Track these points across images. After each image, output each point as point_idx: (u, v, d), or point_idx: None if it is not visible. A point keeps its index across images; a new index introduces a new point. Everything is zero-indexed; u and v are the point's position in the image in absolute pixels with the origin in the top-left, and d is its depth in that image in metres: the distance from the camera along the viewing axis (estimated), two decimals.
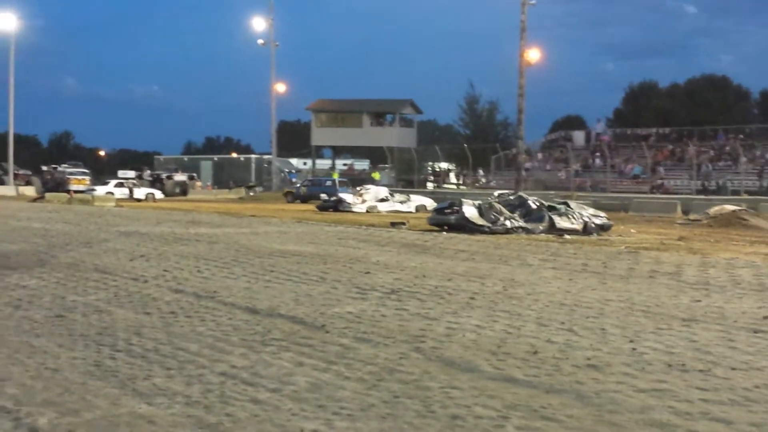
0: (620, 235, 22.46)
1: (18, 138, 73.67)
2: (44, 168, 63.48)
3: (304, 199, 47.85)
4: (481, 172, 64.58)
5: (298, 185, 55.80)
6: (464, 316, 8.73)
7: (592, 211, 24.75)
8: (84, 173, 60.36)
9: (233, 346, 7.26)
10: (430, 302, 9.64)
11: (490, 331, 7.96)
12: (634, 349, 7.27)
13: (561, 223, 22.61)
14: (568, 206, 24.04)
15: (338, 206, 36.71)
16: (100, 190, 49.45)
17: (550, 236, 20.97)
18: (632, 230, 24.79)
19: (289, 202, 48.35)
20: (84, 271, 12.24)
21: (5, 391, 5.84)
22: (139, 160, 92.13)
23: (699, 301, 10.14)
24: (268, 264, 13.15)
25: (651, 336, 7.86)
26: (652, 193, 46.71)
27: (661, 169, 51.45)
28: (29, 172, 67.76)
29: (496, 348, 7.22)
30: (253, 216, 27.93)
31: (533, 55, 45.00)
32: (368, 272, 12.28)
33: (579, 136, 62.56)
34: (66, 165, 65.99)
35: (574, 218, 23.03)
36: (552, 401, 5.67)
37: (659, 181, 49.23)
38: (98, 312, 8.93)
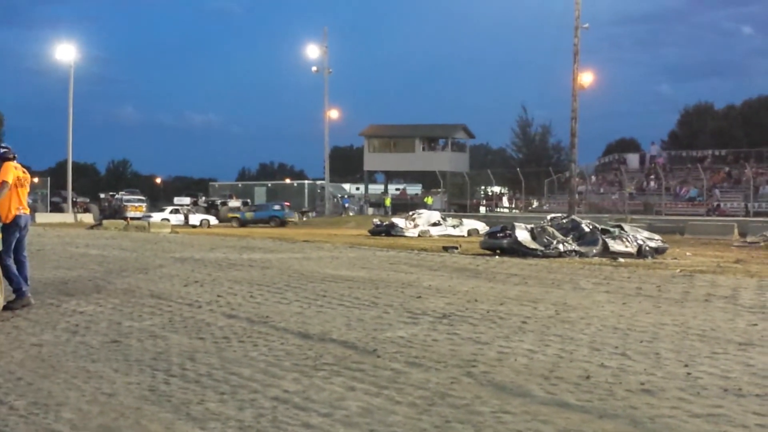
0: (675, 258, 22.19)
1: (77, 166, 75.14)
2: (102, 195, 64.57)
3: (245, 224, 48.46)
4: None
5: (242, 211, 56.43)
6: (516, 341, 8.68)
7: (646, 234, 24.50)
8: (140, 200, 61.27)
9: (285, 370, 7.31)
10: (482, 326, 9.61)
11: (542, 356, 7.91)
12: (689, 373, 7.17)
13: (615, 246, 22.40)
14: (622, 229, 23.82)
15: (390, 231, 36.79)
16: (156, 217, 50.13)
17: (604, 260, 20.79)
18: (688, 253, 24.49)
19: (234, 227, 48.76)
20: (139, 296, 12.41)
21: (62, 416, 5.94)
22: (194, 187, 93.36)
23: (756, 324, 9.98)
24: (321, 289, 13.22)
25: (706, 360, 7.75)
26: (708, 215, 46.12)
27: (717, 191, 50.78)
28: (87, 200, 68.98)
29: (548, 372, 7.17)
30: (306, 241, 28.09)
31: (586, 78, 44.86)
32: (420, 297, 12.29)
33: (633, 159, 62.07)
34: (123, 192, 67.07)
35: (628, 241, 22.81)
36: (605, 426, 5.62)
37: (715, 204, 48.59)
38: (153, 337, 9.04)
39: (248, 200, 73.44)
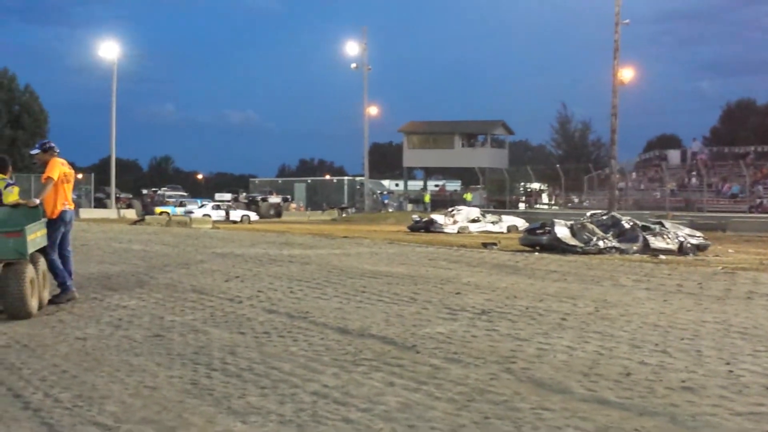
0: (717, 255, 21.98)
1: (120, 162, 75.92)
2: (144, 191, 65.23)
3: None
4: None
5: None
6: (555, 337, 8.67)
7: (687, 230, 24.30)
8: (182, 196, 61.80)
9: (325, 365, 7.36)
10: (521, 323, 9.60)
11: (581, 353, 7.89)
12: (730, 371, 7.12)
13: (655, 243, 22.23)
14: (663, 226, 23.64)
15: (429, 227, 36.79)
16: (198, 213, 50.52)
17: (644, 257, 20.64)
18: (730, 250, 24.25)
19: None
20: (181, 291, 12.54)
21: (106, 409, 6.03)
22: (235, 183, 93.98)
23: None
24: (360, 285, 13.26)
25: (748, 358, 7.69)
26: (750, 212, 45.58)
27: (759, 187, 50.17)
28: (130, 196, 69.69)
29: (587, 369, 7.15)
30: (346, 237, 28.16)
31: (627, 74, 44.47)
32: (459, 293, 12.29)
33: (674, 155, 61.45)
34: (165, 188, 67.70)
35: (669, 238, 22.63)
36: (646, 424, 5.60)
37: (758, 200, 47.99)
38: (195, 332, 9.14)
39: (288, 196, 73.82)
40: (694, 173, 54.63)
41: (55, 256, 11.49)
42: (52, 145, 11.95)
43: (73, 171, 12.18)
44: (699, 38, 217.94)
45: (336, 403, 6.09)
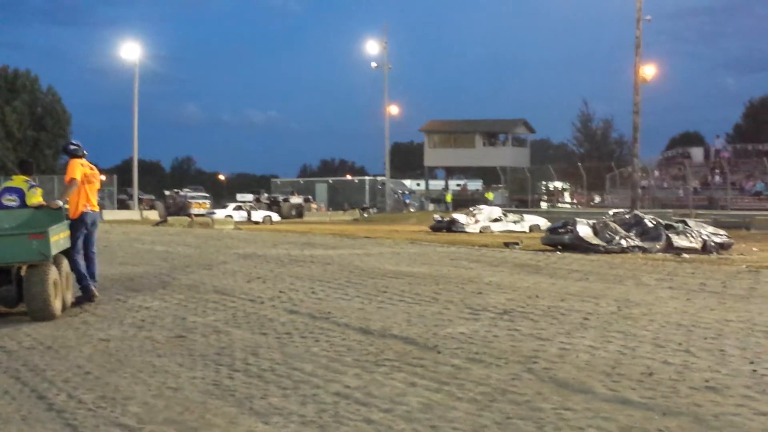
0: (741, 254, 21.81)
1: (142, 164, 76.28)
2: (167, 192, 65.50)
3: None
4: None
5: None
6: (578, 337, 8.63)
7: (711, 229, 24.11)
8: (204, 197, 62.11)
9: (347, 366, 7.37)
10: (543, 323, 9.57)
11: (604, 352, 7.85)
12: (754, 370, 7.07)
13: (678, 241, 22.08)
14: (686, 224, 23.48)
15: (451, 227, 36.73)
16: (220, 214, 50.65)
17: (667, 255, 20.51)
18: (754, 248, 24.05)
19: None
20: (204, 292, 12.58)
21: (129, 410, 6.07)
22: (256, 184, 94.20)
23: None
24: (381, 285, 13.26)
25: None
26: None
27: None
28: (153, 197, 69.99)
29: (610, 369, 7.12)
30: (367, 237, 28.17)
31: (649, 71, 44.18)
32: (480, 293, 12.26)
33: (697, 153, 60.96)
34: (187, 189, 67.94)
35: (692, 237, 22.47)
36: (669, 424, 5.57)
37: None
38: (217, 332, 9.18)
39: (310, 197, 73.92)
40: (717, 171, 54.21)
41: (79, 257, 11.55)
42: (73, 147, 12.00)
43: (96, 171, 12.21)
44: (721, 34, 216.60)
45: (357, 404, 6.09)
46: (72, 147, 12.03)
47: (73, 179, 11.50)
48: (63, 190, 11.74)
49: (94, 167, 12.13)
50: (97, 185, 12.16)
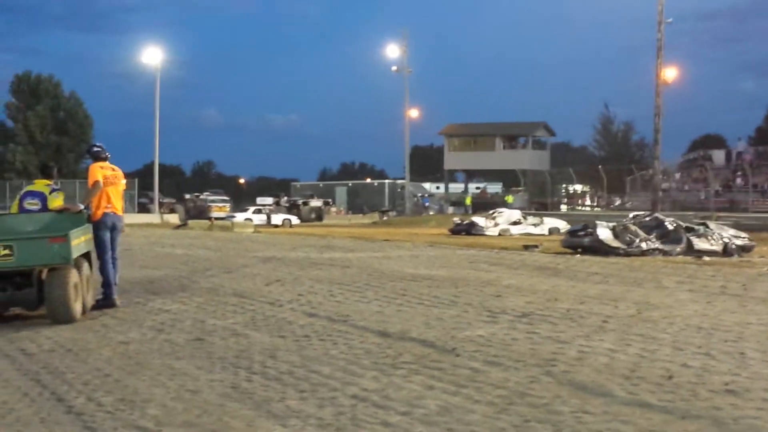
0: (763, 257, 21.67)
1: (163, 168, 76.65)
2: (187, 196, 65.76)
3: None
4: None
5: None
6: (597, 340, 8.60)
7: (732, 231, 23.96)
8: (224, 200, 62.29)
9: (365, 369, 7.37)
10: (562, 325, 9.54)
11: (623, 355, 7.82)
12: None
13: (699, 244, 21.96)
14: (707, 227, 23.35)
15: (471, 230, 36.68)
16: (240, 217, 50.81)
17: (688, 258, 20.40)
18: None
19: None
20: (223, 295, 12.62)
21: (147, 412, 6.09)
22: (276, 187, 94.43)
23: None
24: (400, 288, 13.26)
25: None
26: None
27: None
28: (173, 201, 70.25)
29: (629, 372, 7.09)
30: (386, 240, 28.18)
31: (670, 74, 44.00)
32: (499, 295, 12.24)
33: (719, 156, 60.54)
34: (208, 193, 68.19)
35: (713, 239, 22.34)
36: (688, 427, 5.54)
37: None
38: (236, 335, 9.20)
39: (330, 200, 74.01)
40: (739, 173, 53.84)
41: (108, 260, 11.60)
42: (96, 149, 12.07)
43: (120, 173, 12.19)
44: (743, 36, 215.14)
45: (375, 407, 6.09)
46: (95, 149, 12.11)
47: (96, 182, 11.56)
48: (86, 194, 11.80)
49: (116, 169, 12.14)
50: (121, 187, 12.17)
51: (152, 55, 62.99)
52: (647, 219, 24.09)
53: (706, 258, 20.36)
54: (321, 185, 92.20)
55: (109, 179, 11.78)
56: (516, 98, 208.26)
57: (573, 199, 66.94)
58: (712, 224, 24.50)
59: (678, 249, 21.63)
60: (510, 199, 65.79)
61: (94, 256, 11.67)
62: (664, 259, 20.16)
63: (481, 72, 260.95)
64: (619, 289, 13.06)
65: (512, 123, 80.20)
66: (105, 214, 11.63)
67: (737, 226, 29.75)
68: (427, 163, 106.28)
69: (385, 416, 5.85)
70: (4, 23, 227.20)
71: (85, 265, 11.15)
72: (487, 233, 36.15)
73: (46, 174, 11.74)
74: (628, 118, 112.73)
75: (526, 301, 11.65)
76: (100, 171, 11.69)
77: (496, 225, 37.66)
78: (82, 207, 11.43)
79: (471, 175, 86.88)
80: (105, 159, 11.97)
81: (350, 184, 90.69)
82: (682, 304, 11.35)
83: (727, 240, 22.53)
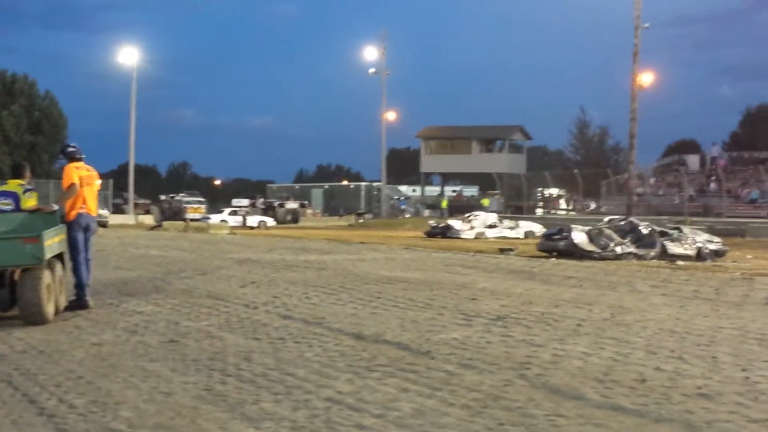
0: (735, 261, 21.86)
1: (138, 168, 76.36)
2: (162, 197, 65.48)
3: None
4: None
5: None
6: (571, 343, 8.63)
7: (706, 236, 24.18)
8: (200, 202, 62.04)
9: (339, 371, 7.36)
10: (537, 329, 9.57)
11: (596, 359, 7.85)
12: (747, 378, 7.07)
13: (673, 248, 22.14)
14: (681, 232, 23.54)
15: (446, 233, 36.76)
16: (215, 218, 50.63)
17: (662, 262, 20.55)
18: (748, 256, 24.11)
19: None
20: (197, 297, 12.57)
21: (120, 414, 6.06)
22: (252, 189, 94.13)
23: None
24: (375, 290, 13.26)
25: (765, 365, 7.62)
26: None
27: None
28: (148, 201, 69.93)
29: (603, 376, 7.12)
30: (362, 243, 28.16)
31: (646, 78, 44.29)
32: (474, 299, 12.26)
33: (693, 161, 60.98)
34: (183, 194, 67.92)
35: (687, 244, 22.54)
36: (661, 430, 5.58)
37: None
38: (210, 337, 9.16)
39: (306, 202, 73.91)
40: (713, 178, 54.24)
41: (81, 261, 11.51)
42: (71, 149, 11.98)
43: (94, 173, 12.11)
44: (718, 42, 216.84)
45: (350, 409, 6.09)
46: (70, 149, 12.02)
47: (72, 184, 11.48)
48: (61, 195, 11.72)
49: (91, 169, 12.06)
50: (96, 187, 12.10)
51: (129, 55, 62.77)
52: (622, 223, 24.25)
53: (680, 262, 20.52)
54: (297, 187, 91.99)
55: (84, 180, 11.70)
56: (493, 102, 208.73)
57: (549, 202, 67.18)
58: (686, 229, 24.72)
59: (652, 253, 21.79)
60: (486, 202, 65.97)
61: (67, 257, 11.58)
62: (639, 263, 20.29)
63: (459, 75, 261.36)
64: (594, 293, 13.12)
65: (489, 126, 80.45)
66: (79, 215, 11.55)
67: (711, 230, 30.05)
68: (403, 165, 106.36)
69: (360, 419, 5.85)
70: None
71: (58, 266, 11.06)
72: (462, 236, 36.24)
73: (16, 174, 11.63)
74: (604, 122, 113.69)
75: (500, 304, 11.67)
76: (76, 172, 11.61)
77: (472, 228, 37.76)
78: (55, 207, 11.35)
79: (447, 178, 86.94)
80: (80, 159, 11.89)
81: (326, 186, 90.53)
82: (656, 308, 11.42)
83: (700, 244, 22.72)
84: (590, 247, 21.98)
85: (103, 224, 43.63)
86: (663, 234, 22.99)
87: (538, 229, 36.94)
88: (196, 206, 59.06)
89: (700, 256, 22.12)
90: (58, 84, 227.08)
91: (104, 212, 48.03)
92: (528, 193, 65.76)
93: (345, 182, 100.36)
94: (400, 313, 10.76)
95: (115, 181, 64.87)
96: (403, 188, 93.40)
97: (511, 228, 38.82)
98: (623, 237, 22.66)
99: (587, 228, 23.39)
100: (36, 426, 5.86)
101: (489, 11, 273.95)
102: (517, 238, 35.77)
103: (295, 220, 61.51)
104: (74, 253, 11.54)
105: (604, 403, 6.25)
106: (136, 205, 64.72)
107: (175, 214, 55.91)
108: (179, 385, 6.91)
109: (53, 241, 10.65)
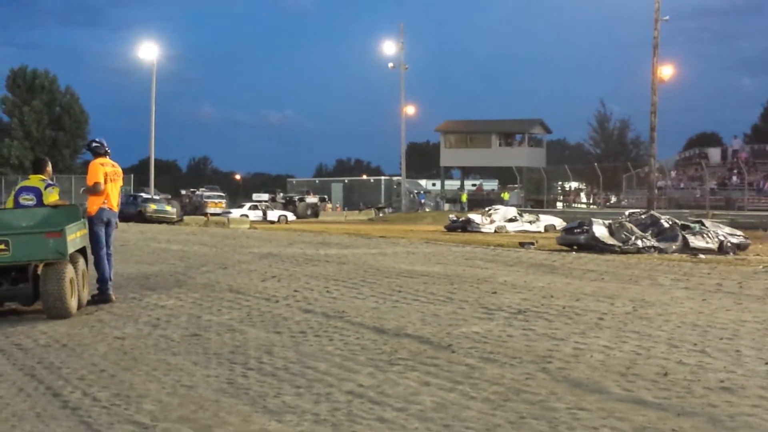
0: (758, 254, 21.71)
1: (159, 163, 76.74)
2: (183, 192, 65.72)
3: None
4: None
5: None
6: (592, 337, 8.61)
7: (728, 229, 24.01)
8: (220, 196, 62.27)
9: (360, 365, 7.37)
10: (558, 322, 9.54)
11: (618, 352, 7.83)
12: None
13: (695, 242, 22.01)
14: (703, 225, 23.40)
15: (466, 227, 36.73)
16: (235, 213, 50.76)
17: (684, 256, 20.44)
18: None
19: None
20: (219, 291, 12.61)
21: (143, 407, 6.09)
22: (272, 183, 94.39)
23: None
24: (396, 284, 13.26)
25: None
26: None
27: None
28: (169, 196, 70.19)
29: (624, 369, 7.10)
30: (382, 237, 28.15)
31: (666, 71, 43.99)
32: (495, 292, 12.24)
33: (715, 153, 60.64)
34: (203, 189, 68.15)
35: (708, 237, 22.39)
36: (683, 424, 5.55)
37: None
38: (231, 331, 9.20)
39: (325, 196, 73.99)
40: (734, 171, 53.92)
41: (103, 256, 11.56)
42: (96, 144, 12.00)
43: (119, 170, 12.14)
44: (739, 34, 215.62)
45: (371, 403, 6.10)
46: (95, 144, 12.05)
47: (97, 183, 11.52)
48: (85, 191, 11.79)
49: (116, 165, 12.09)
50: (120, 183, 12.15)
51: (148, 51, 62.89)
52: (643, 216, 24.14)
53: (702, 256, 20.39)
54: (317, 181, 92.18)
55: (109, 176, 11.74)
56: (513, 95, 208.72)
57: (569, 196, 66.98)
58: (707, 222, 24.55)
59: (674, 247, 21.68)
60: (506, 196, 65.84)
61: (89, 251, 11.65)
62: (660, 256, 20.18)
63: (478, 69, 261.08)
64: (615, 287, 13.07)
65: (509, 120, 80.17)
66: (100, 210, 11.61)
67: (733, 224, 29.85)
68: (423, 159, 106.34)
69: (381, 412, 5.86)
70: (2, 18, 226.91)
71: (81, 261, 11.13)
72: (483, 230, 36.21)
73: (38, 169, 11.68)
74: (624, 115, 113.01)
75: (521, 298, 11.65)
76: (101, 169, 11.64)
77: (492, 222, 37.72)
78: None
79: (467, 172, 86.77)
80: (105, 155, 11.91)
81: (346, 181, 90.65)
82: (678, 301, 11.36)
83: (722, 238, 22.58)
84: (611, 241, 21.88)
85: (170, 221, 43.42)
86: (684, 227, 22.86)
87: (559, 222, 36.85)
88: (216, 201, 59.27)
89: (722, 249, 21.99)
90: (79, 80, 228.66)
91: (172, 210, 47.12)
92: (548, 186, 65.56)
93: (365, 176, 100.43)
94: (421, 307, 10.76)
95: (135, 176, 65.14)
96: (423, 182, 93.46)
97: (531, 222, 38.73)
98: (644, 230, 22.55)
99: (608, 222, 23.28)
100: (59, 419, 5.90)
101: (508, 4, 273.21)
102: (538, 232, 35.67)
103: (316, 215, 61.62)
104: (96, 247, 11.60)
105: (626, 396, 6.23)
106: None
107: (196, 208, 56.14)
108: (201, 379, 6.95)
109: (76, 236, 10.72)
